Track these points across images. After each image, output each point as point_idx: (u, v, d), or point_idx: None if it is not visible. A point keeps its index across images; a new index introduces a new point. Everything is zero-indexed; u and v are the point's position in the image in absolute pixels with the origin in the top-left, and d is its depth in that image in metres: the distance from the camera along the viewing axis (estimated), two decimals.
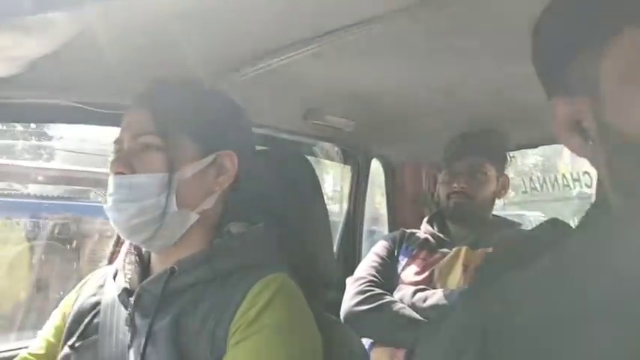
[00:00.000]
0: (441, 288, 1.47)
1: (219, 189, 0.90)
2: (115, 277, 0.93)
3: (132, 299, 0.86)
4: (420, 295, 1.43)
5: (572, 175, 2.45)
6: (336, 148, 1.96)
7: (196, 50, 1.02)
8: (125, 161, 0.85)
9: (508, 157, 1.67)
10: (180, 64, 0.99)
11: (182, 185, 0.86)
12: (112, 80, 1.02)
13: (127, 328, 0.85)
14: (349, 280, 1.54)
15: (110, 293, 0.92)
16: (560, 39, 0.59)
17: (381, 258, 1.61)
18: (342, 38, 1.01)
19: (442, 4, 0.93)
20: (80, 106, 1.04)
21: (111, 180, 0.86)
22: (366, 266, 1.59)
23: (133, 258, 0.93)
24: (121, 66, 0.97)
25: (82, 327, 0.91)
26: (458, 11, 0.97)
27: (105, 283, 0.96)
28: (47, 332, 0.97)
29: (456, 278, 1.48)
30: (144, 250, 0.94)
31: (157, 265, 0.91)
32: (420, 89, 1.43)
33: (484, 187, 1.58)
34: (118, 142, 0.89)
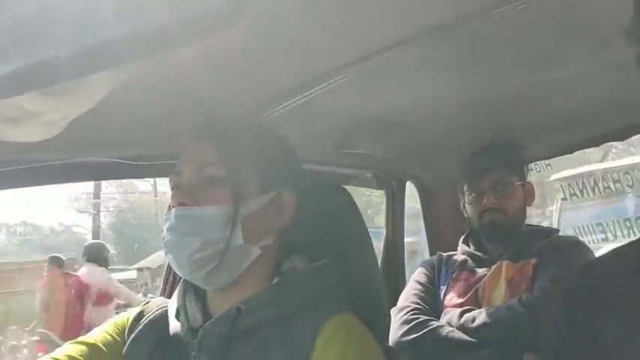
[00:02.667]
0: (487, 306, 1.44)
1: (277, 227, 0.88)
2: (177, 316, 0.89)
3: (195, 340, 0.83)
4: (467, 315, 1.40)
5: (611, 176, 2.39)
6: (369, 174, 1.96)
7: (223, 94, 1.03)
8: (188, 193, 0.82)
9: (526, 166, 1.66)
10: (209, 110, 1.01)
11: (246, 219, 0.83)
12: (143, 133, 1.04)
13: None
14: (393, 311, 1.51)
15: (172, 333, 0.89)
16: None
17: (422, 285, 1.59)
18: (366, 66, 1.02)
19: (462, 21, 0.93)
20: (117, 161, 1.06)
21: (171, 213, 0.82)
22: (409, 294, 1.57)
23: (193, 296, 0.89)
24: (151, 118, 0.99)
25: None
26: (480, 27, 0.96)
27: (165, 321, 0.92)
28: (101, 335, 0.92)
29: (501, 294, 1.45)
30: (201, 289, 0.89)
31: (217, 305, 0.87)
32: (449, 106, 1.43)
33: (512, 199, 1.56)
34: (177, 173, 0.86)
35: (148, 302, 0.99)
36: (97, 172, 1.13)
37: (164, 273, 1.46)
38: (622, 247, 0.71)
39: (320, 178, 1.64)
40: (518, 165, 1.61)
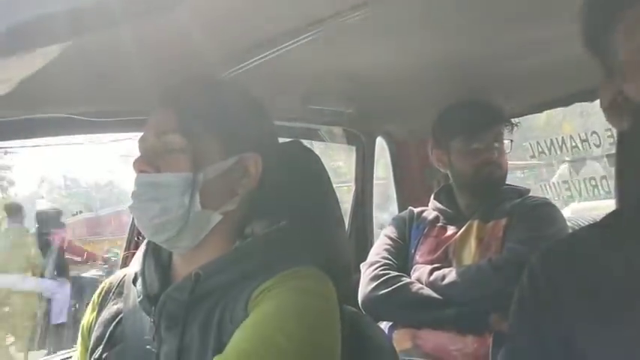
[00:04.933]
0: (457, 264, 1.45)
1: (242, 191, 0.88)
2: (134, 282, 0.90)
3: (154, 307, 0.84)
4: (437, 273, 1.42)
5: (579, 136, 2.42)
6: (339, 129, 1.94)
7: (188, 50, 1.00)
8: (149, 160, 0.85)
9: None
10: (176, 65, 0.98)
11: (206, 185, 0.84)
12: (104, 89, 1.01)
13: (153, 336, 0.84)
14: (363, 266, 1.52)
15: (132, 299, 0.90)
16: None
17: (393, 240, 1.59)
18: (334, 24, 0.99)
19: None
20: (75, 117, 1.03)
21: (135, 179, 0.85)
22: (379, 249, 1.57)
23: (152, 261, 0.90)
24: (113, 74, 0.95)
25: (106, 337, 0.89)
26: None
27: (124, 289, 0.94)
28: (79, 347, 0.96)
29: (470, 253, 1.46)
30: (164, 253, 0.92)
31: (179, 269, 0.89)
32: (417, 64, 1.41)
33: (504, 156, 1.55)
34: (142, 140, 0.87)
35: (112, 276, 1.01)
36: (57, 128, 1.09)
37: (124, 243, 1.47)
38: (585, 228, 0.74)
39: (287, 137, 1.63)
40: (509, 121, 1.58)
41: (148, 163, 0.85)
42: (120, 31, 0.74)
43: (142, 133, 0.88)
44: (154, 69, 0.94)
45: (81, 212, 9.34)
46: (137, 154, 0.88)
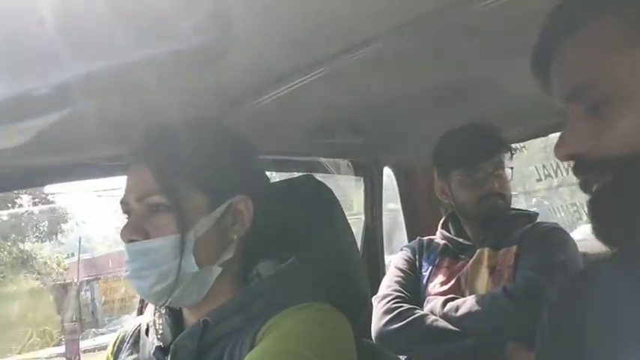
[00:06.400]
0: (471, 294, 1.44)
1: (237, 237, 0.85)
2: (147, 333, 0.90)
3: (167, 358, 0.83)
4: (450, 304, 1.40)
5: None
6: (346, 161, 1.95)
7: (199, 88, 1.01)
8: (136, 226, 0.81)
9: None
10: (184, 104, 0.99)
11: (199, 243, 0.81)
12: (117, 131, 1.02)
13: None
14: (375, 299, 1.50)
15: (147, 349, 0.89)
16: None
17: (404, 272, 1.57)
18: (344, 60, 1.00)
19: (440, 15, 0.92)
20: (91, 162, 1.04)
21: (125, 248, 0.81)
22: (390, 282, 1.55)
23: (163, 311, 0.89)
24: (124, 115, 0.96)
25: None
26: (457, 20, 0.96)
27: (140, 339, 0.93)
28: None
29: (483, 282, 1.45)
30: None
31: (189, 317, 0.87)
32: (425, 93, 1.42)
33: (508, 184, 1.53)
34: (124, 203, 0.84)
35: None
36: (72, 175, 1.10)
37: None
38: (600, 256, 0.73)
39: (293, 171, 1.63)
40: (509, 147, 1.56)
41: (135, 230, 0.81)
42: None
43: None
44: (157, 110, 0.94)
45: None
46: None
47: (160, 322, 0.88)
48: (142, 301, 1.42)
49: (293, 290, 0.85)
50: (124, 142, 1.02)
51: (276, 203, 0.90)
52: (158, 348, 0.85)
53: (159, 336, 0.86)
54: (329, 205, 1.02)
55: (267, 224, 0.88)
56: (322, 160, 1.82)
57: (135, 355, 0.91)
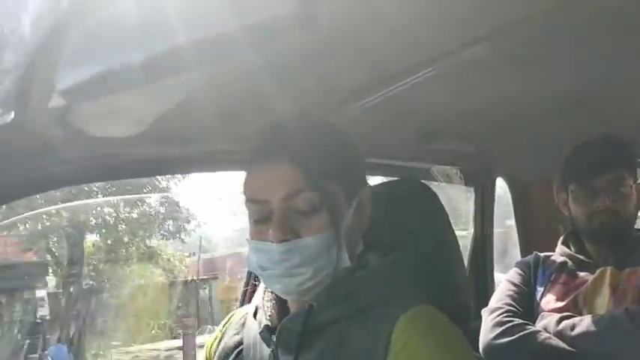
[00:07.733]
0: (589, 314, 1.34)
1: (364, 228, 0.88)
2: (255, 315, 0.93)
3: (274, 337, 0.86)
4: (566, 322, 1.31)
5: None
6: (455, 170, 1.90)
7: (311, 86, 1.04)
8: (285, 227, 0.80)
9: None
10: (296, 102, 1.01)
11: (345, 236, 0.82)
12: (231, 126, 1.06)
13: None
14: (485, 312, 1.45)
15: (252, 331, 0.92)
16: None
17: (517, 286, 1.50)
18: (457, 58, 0.98)
19: (559, 12, 0.87)
20: (203, 155, 1.09)
21: (272, 249, 0.81)
22: (502, 295, 1.49)
23: (271, 295, 0.92)
24: (240, 110, 1.00)
25: None
26: (582, 21, 0.90)
27: (246, 322, 0.96)
28: None
29: (604, 302, 1.35)
30: None
31: (293, 302, 0.89)
32: (545, 100, 1.35)
33: (627, 201, 1.42)
34: (259, 202, 0.82)
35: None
36: (177, 166, 1.16)
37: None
38: None
39: (397, 176, 1.62)
40: (634, 163, 1.46)
41: (285, 231, 0.80)
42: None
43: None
44: (271, 108, 0.96)
45: None
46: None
47: (269, 304, 0.91)
48: (243, 296, 1.48)
49: (400, 284, 0.85)
50: (240, 138, 1.06)
51: (382, 201, 0.92)
52: (266, 327, 0.88)
53: (267, 317, 0.89)
54: (433, 208, 1.02)
55: (382, 221, 0.90)
56: (430, 167, 1.79)
57: (240, 336, 0.96)
